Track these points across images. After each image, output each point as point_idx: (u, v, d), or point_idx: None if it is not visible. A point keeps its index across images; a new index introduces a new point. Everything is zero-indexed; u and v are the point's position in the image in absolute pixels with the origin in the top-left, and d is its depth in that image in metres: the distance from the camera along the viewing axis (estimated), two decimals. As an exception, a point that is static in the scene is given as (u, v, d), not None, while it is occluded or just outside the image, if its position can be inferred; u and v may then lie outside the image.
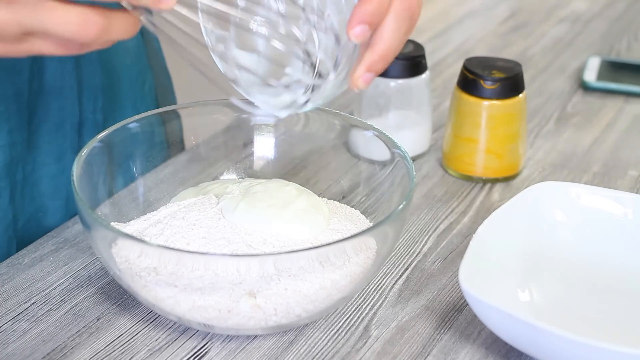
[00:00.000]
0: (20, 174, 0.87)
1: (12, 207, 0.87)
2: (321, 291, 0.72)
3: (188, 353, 0.74)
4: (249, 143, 0.90)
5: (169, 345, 0.75)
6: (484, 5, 1.52)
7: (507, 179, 1.01)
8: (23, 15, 0.59)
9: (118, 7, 0.62)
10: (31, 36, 0.61)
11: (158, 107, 1.06)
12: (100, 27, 0.60)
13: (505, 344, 0.75)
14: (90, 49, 0.62)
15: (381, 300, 0.81)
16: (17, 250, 0.88)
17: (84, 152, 0.78)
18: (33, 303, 0.79)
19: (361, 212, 0.85)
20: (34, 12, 0.59)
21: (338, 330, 0.77)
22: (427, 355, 0.75)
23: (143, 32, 1.02)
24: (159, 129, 0.87)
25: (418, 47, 1.02)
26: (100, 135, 0.81)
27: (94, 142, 0.80)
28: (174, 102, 1.13)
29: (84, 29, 0.60)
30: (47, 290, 0.81)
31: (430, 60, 1.20)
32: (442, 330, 0.78)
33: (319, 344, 0.76)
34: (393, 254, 0.86)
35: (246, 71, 0.70)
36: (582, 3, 1.53)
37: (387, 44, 0.66)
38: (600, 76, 1.24)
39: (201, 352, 0.74)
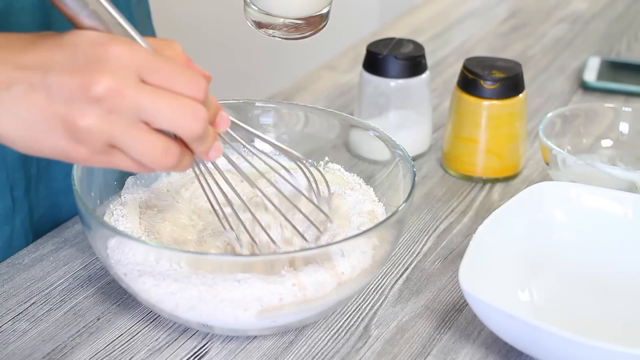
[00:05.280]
0: (35, 169, 0.88)
1: (27, 200, 0.87)
2: (318, 292, 0.72)
3: (188, 353, 0.74)
4: (249, 143, 0.90)
5: (169, 345, 0.75)
6: (484, 5, 1.52)
7: (507, 179, 1.01)
8: (117, 128, 0.61)
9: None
10: (114, 149, 0.62)
11: None
12: (177, 160, 0.63)
13: (505, 344, 0.75)
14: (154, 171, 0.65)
15: (381, 300, 0.81)
16: None
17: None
18: (33, 303, 0.79)
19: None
20: (128, 129, 0.61)
21: (338, 330, 0.77)
22: (427, 355, 0.75)
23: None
24: None
25: (418, 47, 1.02)
26: None
27: None
28: None
29: (165, 158, 0.63)
30: (47, 290, 0.81)
31: (430, 60, 1.20)
32: (442, 330, 0.78)
33: (319, 344, 0.76)
34: (393, 254, 0.86)
35: None
36: (582, 3, 1.53)
37: None
38: (600, 76, 1.24)
39: (201, 352, 0.74)
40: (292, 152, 0.76)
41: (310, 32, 0.82)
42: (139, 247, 0.72)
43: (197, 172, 0.72)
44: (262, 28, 0.82)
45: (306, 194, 0.77)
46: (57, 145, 0.62)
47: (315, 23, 0.82)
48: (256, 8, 0.81)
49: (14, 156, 0.85)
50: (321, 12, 0.82)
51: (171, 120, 0.61)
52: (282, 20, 0.81)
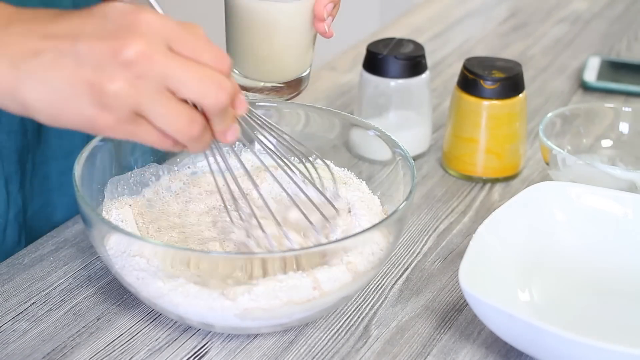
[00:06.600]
0: (31, 164, 0.88)
1: (21, 195, 0.88)
2: (318, 291, 0.72)
3: (188, 353, 0.74)
4: (249, 143, 0.90)
5: (169, 345, 0.75)
6: (484, 5, 1.52)
7: (507, 179, 1.01)
8: (145, 94, 0.61)
9: None
10: (140, 119, 0.62)
11: None
12: (201, 131, 0.63)
13: (505, 344, 0.75)
14: (178, 149, 0.64)
15: (381, 300, 0.81)
16: (26, 242, 0.88)
17: (86, 151, 0.78)
18: (33, 303, 0.79)
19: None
20: (155, 95, 0.61)
21: (338, 330, 0.77)
22: (427, 355, 0.75)
23: None
24: None
25: (418, 47, 1.02)
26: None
27: (96, 141, 0.80)
28: None
29: (190, 127, 0.62)
30: (47, 290, 0.81)
31: (430, 60, 1.20)
32: (442, 330, 0.78)
33: (319, 344, 0.76)
34: (393, 253, 0.86)
35: None
36: (582, 3, 1.53)
37: None
38: (600, 76, 1.24)
39: (201, 352, 0.74)
40: (298, 149, 0.77)
41: (291, 94, 0.86)
42: (139, 244, 0.72)
43: (212, 160, 0.72)
44: (243, 92, 0.84)
45: (312, 190, 0.78)
46: (83, 112, 0.61)
47: (295, 86, 0.85)
48: (237, 72, 0.84)
49: (10, 150, 0.85)
50: (300, 76, 0.84)
51: (198, 89, 0.61)
52: (262, 84, 0.83)
